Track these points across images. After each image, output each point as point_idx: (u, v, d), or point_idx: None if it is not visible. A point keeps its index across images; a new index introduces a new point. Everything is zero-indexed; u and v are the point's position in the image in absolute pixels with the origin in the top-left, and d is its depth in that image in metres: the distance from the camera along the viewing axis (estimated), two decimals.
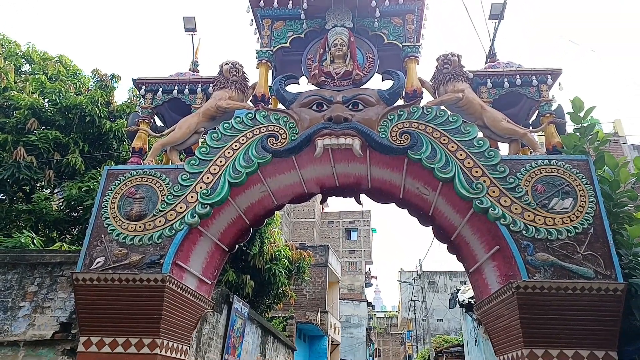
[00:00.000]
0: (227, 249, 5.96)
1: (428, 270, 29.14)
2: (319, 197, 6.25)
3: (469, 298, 7.18)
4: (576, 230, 4.52)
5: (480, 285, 5.38)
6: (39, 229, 8.18)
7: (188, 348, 5.58)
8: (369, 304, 49.08)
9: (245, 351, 8.83)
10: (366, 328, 45.61)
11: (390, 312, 78.08)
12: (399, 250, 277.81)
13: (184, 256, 5.10)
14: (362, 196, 6.22)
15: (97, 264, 4.86)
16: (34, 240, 6.75)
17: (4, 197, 9.01)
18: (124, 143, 9.49)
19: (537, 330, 4.44)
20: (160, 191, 5.13)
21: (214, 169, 5.17)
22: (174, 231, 4.91)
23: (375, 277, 60.22)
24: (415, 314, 37.65)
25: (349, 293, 48.93)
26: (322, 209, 51.58)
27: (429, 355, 24.35)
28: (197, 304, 5.55)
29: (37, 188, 9.06)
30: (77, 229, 8.84)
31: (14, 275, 5.41)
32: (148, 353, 4.77)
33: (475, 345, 7.45)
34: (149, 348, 4.78)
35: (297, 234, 46.65)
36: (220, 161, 5.20)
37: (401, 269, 50.82)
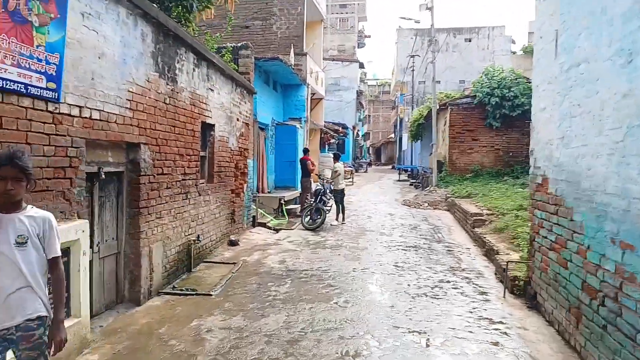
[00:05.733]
0: None
1: (429, 27, 22.90)
2: None
3: None
4: None
5: None
6: None
7: None
8: (361, 65, 44.30)
9: (99, 55, 4.09)
10: (357, 91, 41.84)
11: (382, 79, 74.05)
12: (397, 4, 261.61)
13: None
14: None
15: None
16: None
17: None
18: None
19: None
20: None
21: None
22: None
23: (369, 36, 54.06)
24: (413, 71, 33.22)
25: (339, 54, 43.56)
26: None
27: (430, 110, 20.67)
28: None
29: None
30: None
31: None
32: None
33: None
34: None
35: None
36: None
37: (399, 26, 44.39)
